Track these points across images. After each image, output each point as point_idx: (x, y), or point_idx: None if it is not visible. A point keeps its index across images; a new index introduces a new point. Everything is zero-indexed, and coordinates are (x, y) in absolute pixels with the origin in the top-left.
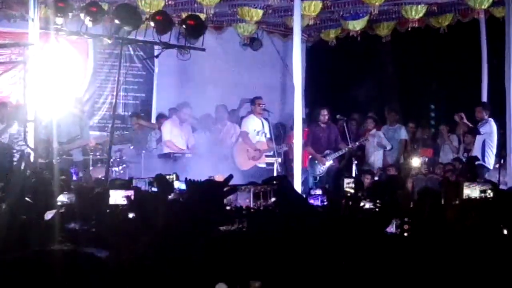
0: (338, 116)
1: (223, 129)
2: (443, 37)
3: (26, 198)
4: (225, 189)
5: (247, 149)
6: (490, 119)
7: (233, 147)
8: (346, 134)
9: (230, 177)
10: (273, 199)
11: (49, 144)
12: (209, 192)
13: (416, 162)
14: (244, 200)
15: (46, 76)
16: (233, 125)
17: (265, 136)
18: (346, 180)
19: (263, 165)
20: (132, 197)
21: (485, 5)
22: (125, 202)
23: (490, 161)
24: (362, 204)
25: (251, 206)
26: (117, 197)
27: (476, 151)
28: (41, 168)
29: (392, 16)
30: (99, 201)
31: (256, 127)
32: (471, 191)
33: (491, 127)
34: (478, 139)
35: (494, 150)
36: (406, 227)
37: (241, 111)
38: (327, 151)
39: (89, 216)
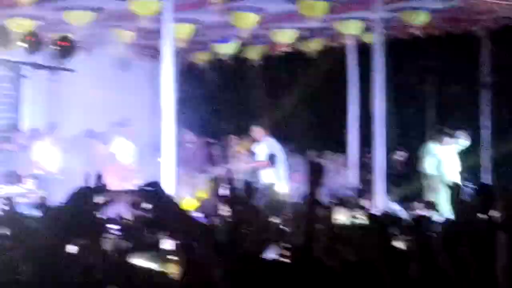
0: (209, 140)
1: (92, 150)
2: (313, 61)
3: None
4: (97, 196)
5: (117, 170)
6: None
7: (103, 168)
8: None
9: (104, 185)
10: (147, 206)
11: None
12: (80, 200)
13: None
14: (119, 207)
15: None
16: (101, 145)
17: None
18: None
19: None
20: None
21: (354, 31)
22: None
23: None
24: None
25: (127, 213)
26: None
27: None
28: None
29: (263, 40)
30: None
31: (124, 148)
32: (341, 216)
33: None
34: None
35: None
36: (285, 253)
37: (110, 133)
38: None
39: None
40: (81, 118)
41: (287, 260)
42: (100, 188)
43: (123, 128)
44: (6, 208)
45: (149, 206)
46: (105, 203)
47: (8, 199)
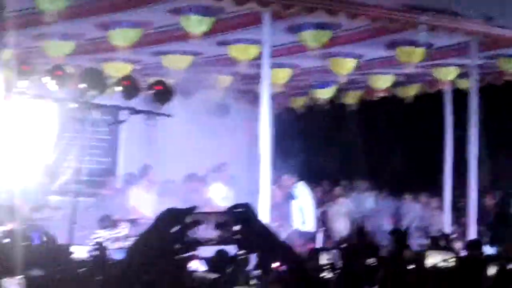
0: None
1: (191, 195)
2: (410, 107)
3: None
4: (188, 219)
5: None
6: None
7: None
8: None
9: (194, 207)
10: (236, 227)
11: (11, 210)
12: (172, 222)
13: None
14: (206, 230)
15: (8, 139)
16: (203, 189)
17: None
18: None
19: None
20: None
21: (450, 77)
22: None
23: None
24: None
25: (213, 236)
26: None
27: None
28: (3, 235)
29: (360, 85)
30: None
31: (222, 193)
32: (433, 259)
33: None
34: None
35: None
36: None
37: (208, 179)
38: None
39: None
40: (178, 163)
41: None
42: (190, 210)
43: (220, 173)
44: (96, 253)
45: (237, 227)
46: (196, 223)
47: (99, 244)
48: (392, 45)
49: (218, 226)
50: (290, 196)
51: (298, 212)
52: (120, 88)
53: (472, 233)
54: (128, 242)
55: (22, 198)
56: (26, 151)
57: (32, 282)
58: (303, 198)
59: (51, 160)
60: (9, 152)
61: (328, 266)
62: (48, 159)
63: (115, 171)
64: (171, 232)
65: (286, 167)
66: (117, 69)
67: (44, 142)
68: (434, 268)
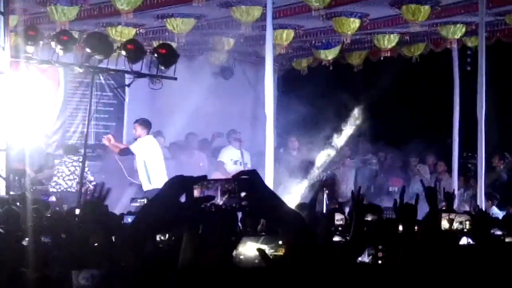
0: (310, 146)
1: (192, 158)
2: (416, 67)
3: None
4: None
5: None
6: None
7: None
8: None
9: (203, 176)
10: (243, 194)
11: (20, 174)
12: (179, 189)
13: None
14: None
15: (16, 104)
16: (200, 154)
17: (245, 166)
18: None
19: None
20: None
21: (457, 35)
22: None
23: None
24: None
25: (219, 203)
26: None
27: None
28: (14, 200)
29: (365, 45)
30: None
31: (234, 157)
32: (447, 223)
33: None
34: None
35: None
36: (380, 255)
37: (214, 143)
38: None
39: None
40: (183, 125)
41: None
42: (198, 177)
43: (230, 137)
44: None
45: (243, 193)
46: (206, 199)
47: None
48: (398, 3)
49: (225, 193)
50: (127, 152)
51: (143, 168)
52: (124, 52)
53: (482, 195)
54: (135, 204)
55: (30, 163)
56: (34, 116)
57: (41, 246)
58: (147, 152)
59: (58, 124)
60: (17, 117)
61: (339, 229)
62: (56, 123)
63: (121, 135)
64: (178, 200)
65: (290, 129)
66: (121, 33)
67: (51, 107)
68: (450, 229)
